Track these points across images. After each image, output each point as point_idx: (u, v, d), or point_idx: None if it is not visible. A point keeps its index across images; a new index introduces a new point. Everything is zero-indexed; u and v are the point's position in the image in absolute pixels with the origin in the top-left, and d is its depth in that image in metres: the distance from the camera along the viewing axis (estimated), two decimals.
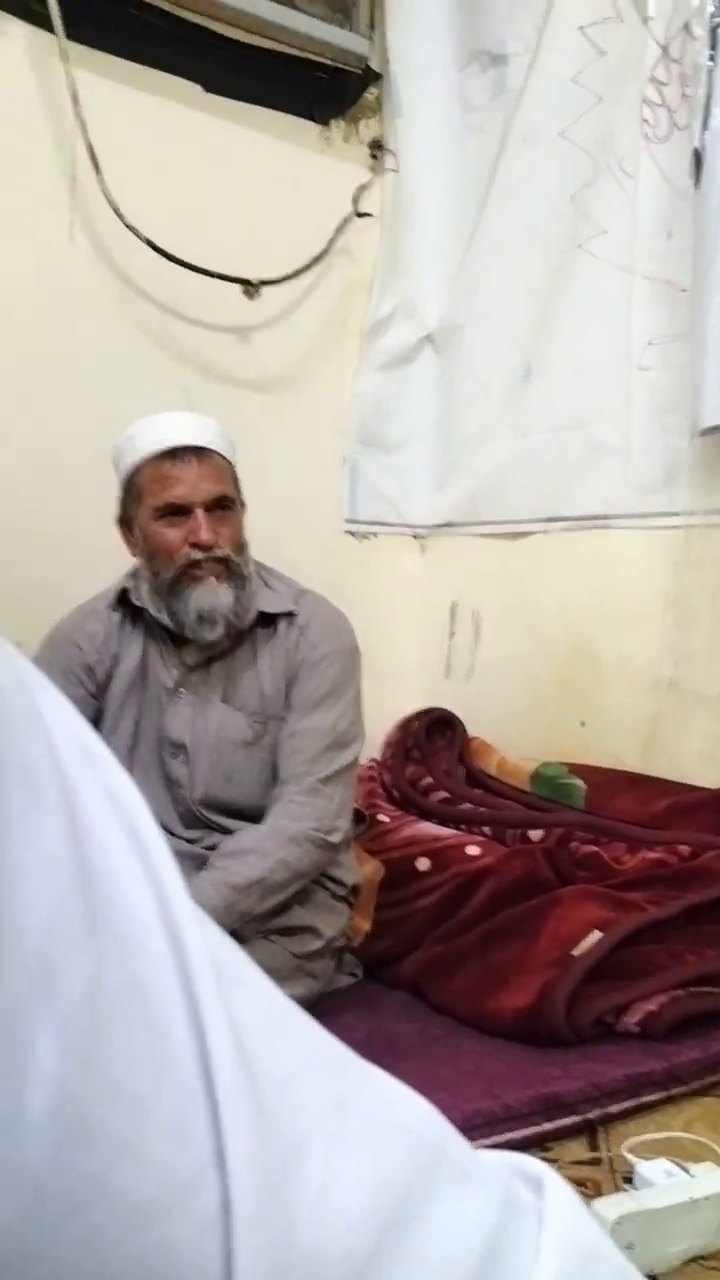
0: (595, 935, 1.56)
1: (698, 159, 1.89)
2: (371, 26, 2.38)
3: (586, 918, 1.61)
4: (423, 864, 1.88)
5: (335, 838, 1.55)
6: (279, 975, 1.45)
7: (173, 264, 2.06)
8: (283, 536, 1.86)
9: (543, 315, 2.23)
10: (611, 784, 2.07)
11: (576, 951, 1.55)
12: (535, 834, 1.96)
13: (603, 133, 2.12)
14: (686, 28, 1.97)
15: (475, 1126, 1.20)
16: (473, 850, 1.88)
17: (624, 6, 2.06)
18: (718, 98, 1.86)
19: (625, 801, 2.00)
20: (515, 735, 2.28)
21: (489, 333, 2.35)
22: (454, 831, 2.00)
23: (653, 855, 1.82)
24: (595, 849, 1.87)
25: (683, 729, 2.02)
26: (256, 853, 1.49)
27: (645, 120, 2.05)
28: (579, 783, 2.10)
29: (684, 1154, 1.11)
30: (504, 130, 2.27)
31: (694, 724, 2.01)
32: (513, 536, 2.35)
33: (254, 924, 1.50)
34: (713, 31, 1.88)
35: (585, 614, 2.22)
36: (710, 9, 1.89)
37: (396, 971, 1.71)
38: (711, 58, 1.87)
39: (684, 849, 1.81)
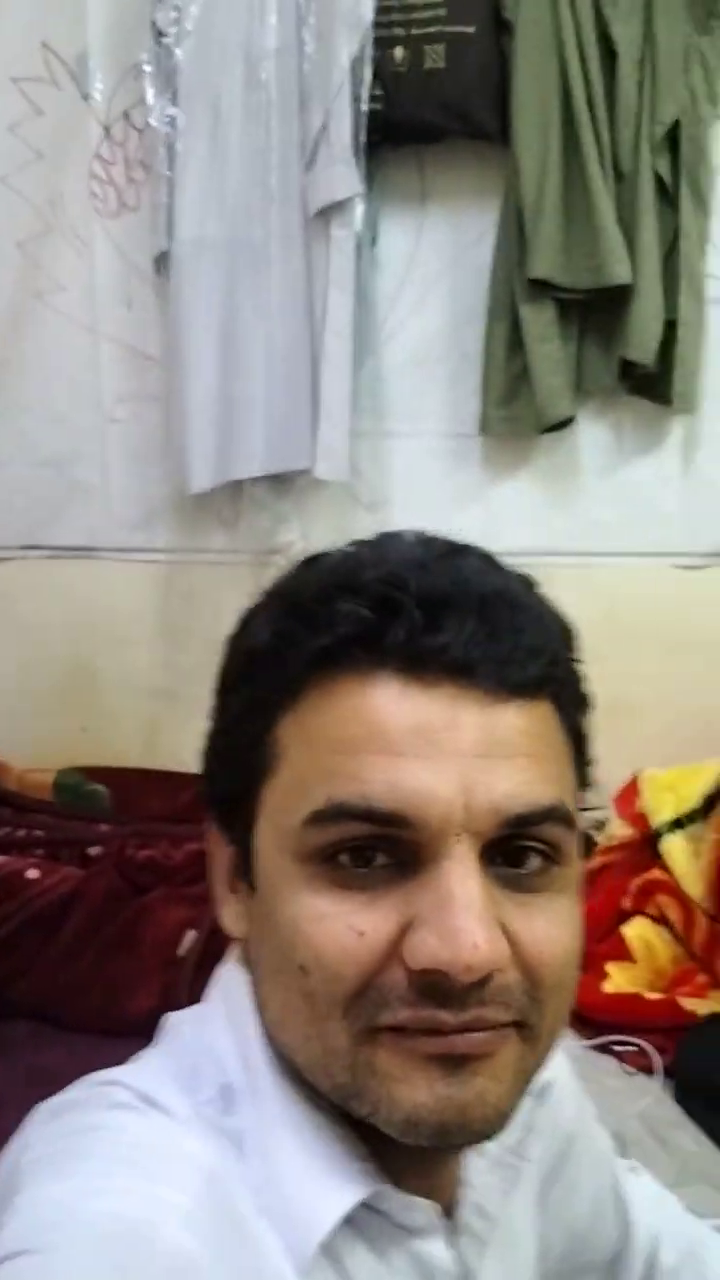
0: (191, 934, 1.72)
1: (162, 256, 2.08)
2: None
3: (177, 920, 1.77)
4: None
5: None
6: None
7: None
8: None
9: (3, 359, 2.29)
10: (131, 784, 2.18)
11: (180, 952, 1.72)
12: (94, 850, 1.99)
13: (51, 192, 2.19)
14: (127, 115, 2.12)
15: None
16: (32, 874, 1.88)
17: (60, 74, 2.15)
18: (181, 208, 2.03)
19: (151, 800, 2.11)
20: (20, 747, 2.33)
21: None
22: (4, 858, 1.96)
23: (194, 847, 1.91)
24: (149, 852, 1.96)
25: (180, 730, 2.10)
26: None
27: (94, 194, 2.18)
28: (100, 788, 2.19)
29: None
30: None
31: (190, 725, 2.16)
32: None
33: None
34: (169, 146, 2.03)
35: (82, 635, 2.37)
36: (157, 120, 2.04)
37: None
38: (169, 168, 2.03)
39: None
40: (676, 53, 1.94)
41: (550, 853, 0.54)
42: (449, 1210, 0.61)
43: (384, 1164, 0.56)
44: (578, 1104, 0.76)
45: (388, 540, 0.59)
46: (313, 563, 0.59)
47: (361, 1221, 0.55)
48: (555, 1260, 0.74)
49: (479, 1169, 0.63)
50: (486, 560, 0.58)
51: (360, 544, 0.58)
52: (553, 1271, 0.74)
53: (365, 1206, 0.55)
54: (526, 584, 0.58)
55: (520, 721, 0.53)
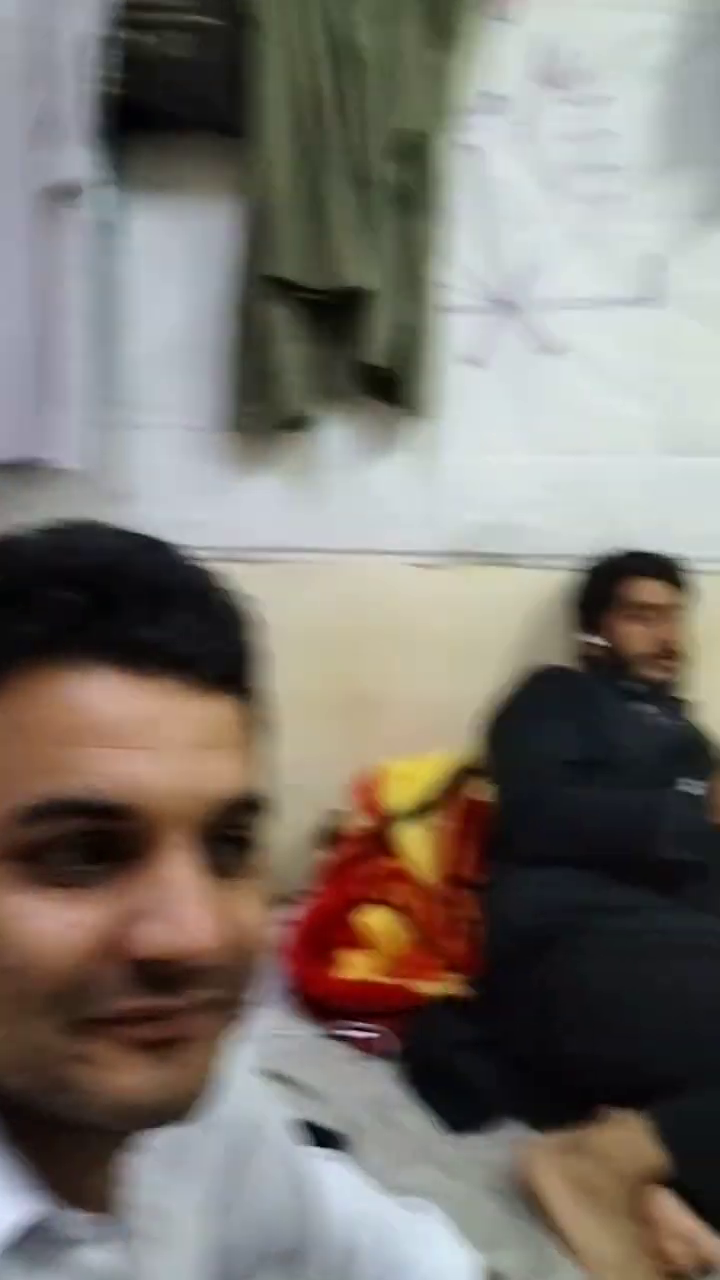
0: None
1: None
2: None
3: None
4: None
5: None
6: None
7: None
8: None
9: None
10: None
11: None
12: None
13: None
14: None
15: None
16: None
17: None
18: None
19: None
20: None
21: None
22: None
23: None
24: None
25: None
26: None
27: None
28: None
29: None
30: None
31: None
32: None
33: None
34: None
35: None
36: None
37: None
38: None
39: None
40: (416, 64, 2.00)
41: (251, 839, 0.56)
42: (118, 1212, 0.60)
43: (52, 1177, 0.55)
44: (257, 1096, 0.77)
45: (84, 528, 0.57)
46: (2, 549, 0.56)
47: (25, 1241, 0.54)
48: (244, 1252, 0.75)
49: (148, 1167, 0.63)
50: (181, 554, 0.58)
51: (52, 531, 0.56)
52: (242, 1262, 0.75)
53: (29, 1226, 0.54)
54: (219, 578, 0.58)
55: (228, 714, 0.55)
